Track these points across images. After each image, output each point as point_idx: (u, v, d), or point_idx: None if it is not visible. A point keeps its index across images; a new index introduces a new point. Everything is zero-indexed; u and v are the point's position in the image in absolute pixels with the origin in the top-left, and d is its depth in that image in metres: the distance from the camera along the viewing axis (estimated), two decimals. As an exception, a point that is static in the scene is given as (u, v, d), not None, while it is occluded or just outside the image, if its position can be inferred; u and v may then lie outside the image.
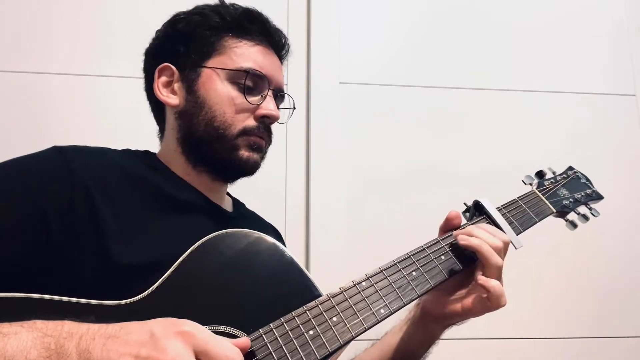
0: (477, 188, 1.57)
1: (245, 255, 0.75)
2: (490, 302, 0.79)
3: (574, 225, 0.98)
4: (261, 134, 0.90)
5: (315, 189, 1.56)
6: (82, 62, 1.55)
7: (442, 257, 0.82)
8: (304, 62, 1.64)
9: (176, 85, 0.91)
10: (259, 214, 1.07)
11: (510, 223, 0.88)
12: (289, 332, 0.69)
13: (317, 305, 0.72)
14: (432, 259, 0.81)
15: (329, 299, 0.73)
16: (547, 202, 0.96)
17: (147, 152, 0.95)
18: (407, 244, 0.83)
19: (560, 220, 0.99)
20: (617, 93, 1.76)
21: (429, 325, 0.88)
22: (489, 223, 0.87)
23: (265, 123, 0.91)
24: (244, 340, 0.65)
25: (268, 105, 0.90)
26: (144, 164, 0.89)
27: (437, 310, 0.85)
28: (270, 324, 0.69)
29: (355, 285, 0.76)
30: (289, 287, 0.75)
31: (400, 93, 1.67)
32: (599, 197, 1.03)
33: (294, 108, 1.00)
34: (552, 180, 1.01)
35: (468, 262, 0.82)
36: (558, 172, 1.04)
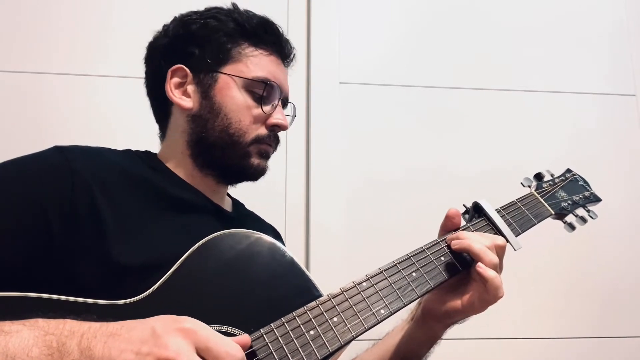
0: (477, 188, 1.58)
1: (245, 256, 0.75)
2: (488, 295, 0.79)
3: (572, 227, 0.98)
4: (271, 142, 0.93)
5: (315, 189, 1.56)
6: (81, 62, 1.55)
7: (442, 258, 0.83)
8: (304, 62, 1.64)
9: (189, 88, 0.92)
10: (258, 214, 1.08)
11: (509, 225, 0.89)
12: (290, 332, 0.69)
13: (318, 306, 0.72)
14: (432, 260, 0.82)
15: (330, 299, 0.74)
16: (545, 204, 0.96)
17: (147, 153, 0.95)
18: (407, 244, 0.84)
19: (560, 222, 1.00)
20: (617, 93, 1.76)
21: (430, 325, 0.88)
22: (488, 224, 0.88)
23: (275, 132, 0.94)
24: (245, 337, 0.66)
25: (279, 115, 0.93)
26: (145, 164, 0.90)
27: (438, 309, 0.85)
28: (271, 324, 0.69)
29: (355, 286, 0.76)
30: (289, 288, 0.76)
31: (400, 93, 1.67)
32: (597, 199, 1.03)
33: (295, 115, 1.03)
34: (550, 182, 1.02)
35: (467, 263, 0.83)
36: (556, 175, 1.05)
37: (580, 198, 1.01)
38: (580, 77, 1.76)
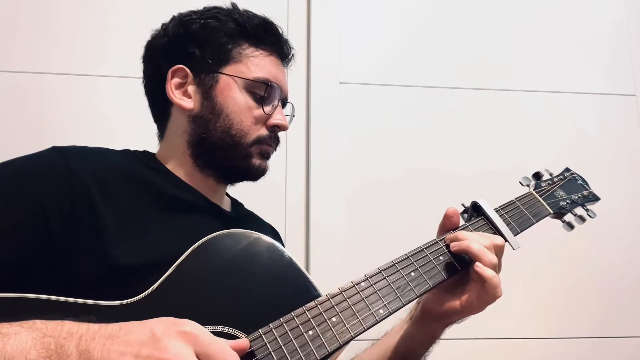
0: (477, 188, 1.58)
1: (244, 256, 0.75)
2: (486, 294, 0.79)
3: (570, 226, 0.98)
4: (272, 142, 0.94)
5: (315, 189, 1.56)
6: (81, 62, 1.55)
7: (441, 257, 0.83)
8: (304, 62, 1.64)
9: (190, 89, 0.92)
10: (257, 214, 1.08)
11: (508, 224, 0.89)
12: (289, 332, 0.69)
13: (317, 306, 0.72)
14: (431, 260, 0.82)
15: (328, 299, 0.74)
16: (544, 203, 0.96)
17: (146, 153, 0.95)
18: (406, 244, 0.84)
19: (559, 221, 0.99)
20: (617, 93, 1.76)
21: (429, 324, 0.88)
22: (486, 224, 0.88)
23: (275, 132, 0.94)
24: (244, 341, 0.65)
25: (279, 115, 0.93)
26: (144, 164, 0.90)
27: (437, 309, 0.85)
28: (270, 324, 0.69)
29: (354, 286, 0.76)
30: (288, 288, 0.76)
31: (400, 93, 1.67)
32: (596, 198, 1.03)
33: (294, 115, 1.03)
34: (549, 181, 1.02)
35: (466, 262, 0.83)
36: (555, 174, 1.04)
37: (579, 197, 1.01)
38: (580, 77, 1.76)
